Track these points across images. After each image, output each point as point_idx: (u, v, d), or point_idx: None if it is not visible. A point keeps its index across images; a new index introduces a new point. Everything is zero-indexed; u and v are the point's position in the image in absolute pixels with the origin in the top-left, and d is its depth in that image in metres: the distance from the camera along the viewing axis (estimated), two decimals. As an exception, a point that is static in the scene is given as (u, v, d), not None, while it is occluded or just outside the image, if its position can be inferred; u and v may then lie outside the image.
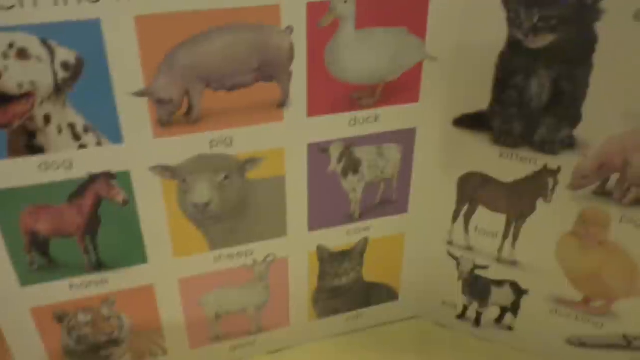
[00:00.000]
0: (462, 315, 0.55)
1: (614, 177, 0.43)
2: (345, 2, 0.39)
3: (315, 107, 0.42)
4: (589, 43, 0.39)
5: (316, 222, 0.48)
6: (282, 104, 0.41)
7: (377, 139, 0.45)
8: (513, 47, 0.41)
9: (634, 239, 0.44)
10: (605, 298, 0.48)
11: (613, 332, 0.49)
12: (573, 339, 0.51)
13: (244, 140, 0.42)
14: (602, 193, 0.44)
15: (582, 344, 0.51)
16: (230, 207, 0.44)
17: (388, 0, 0.40)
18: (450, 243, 0.52)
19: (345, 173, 0.46)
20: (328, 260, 0.50)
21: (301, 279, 0.51)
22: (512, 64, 0.42)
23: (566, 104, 0.42)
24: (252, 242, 0.47)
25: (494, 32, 0.41)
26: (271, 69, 0.40)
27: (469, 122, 0.45)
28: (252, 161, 0.43)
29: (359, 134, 0.45)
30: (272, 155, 0.43)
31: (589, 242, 0.46)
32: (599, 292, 0.48)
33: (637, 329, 0.48)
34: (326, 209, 0.47)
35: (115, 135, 0.39)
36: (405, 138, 0.46)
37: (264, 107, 0.41)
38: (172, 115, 0.39)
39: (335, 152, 0.45)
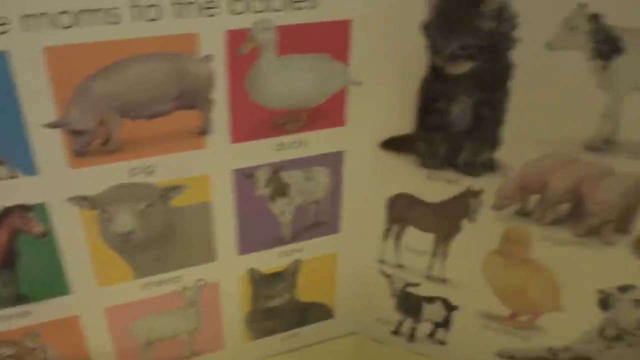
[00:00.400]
0: (396, 331, 0.56)
1: (535, 198, 0.45)
2: (265, 29, 0.38)
3: (239, 134, 0.42)
4: (505, 70, 0.40)
5: (246, 245, 0.47)
6: (204, 131, 0.41)
7: (305, 163, 0.45)
8: (434, 73, 0.42)
9: (555, 257, 0.46)
10: (530, 313, 0.50)
11: (539, 346, 0.51)
12: (503, 352, 0.52)
13: (166, 168, 0.41)
14: (524, 213, 0.45)
15: (511, 357, 0.52)
16: (155, 235, 0.43)
17: (309, 27, 0.40)
18: (382, 262, 0.52)
19: (273, 197, 0.46)
20: (261, 282, 0.50)
21: (234, 303, 0.50)
22: (434, 90, 0.43)
23: (486, 129, 0.43)
24: (181, 268, 0.46)
25: (416, 58, 0.42)
26: (191, 98, 0.39)
27: (396, 145, 0.46)
28: (174, 189, 0.42)
29: (286, 158, 0.44)
30: (197, 182, 0.43)
31: (512, 260, 0.47)
32: (524, 308, 0.50)
33: (562, 342, 0.50)
34: (256, 232, 0.47)
35: (28, 168, 0.38)
36: (334, 161, 0.46)
37: (185, 134, 0.40)
38: (89, 145, 0.38)
39: (262, 177, 0.44)
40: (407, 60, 0.42)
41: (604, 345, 0.49)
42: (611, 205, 0.43)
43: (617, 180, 0.41)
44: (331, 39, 0.41)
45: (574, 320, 0.48)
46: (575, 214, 0.44)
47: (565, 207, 0.44)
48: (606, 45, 0.37)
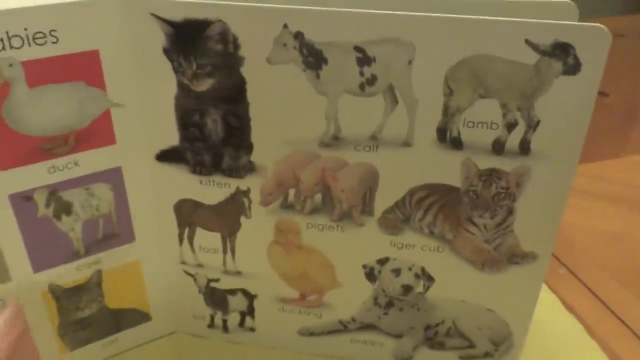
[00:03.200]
0: (211, 325, 0.61)
1: (293, 192, 0.51)
2: (11, 65, 0.42)
3: (6, 161, 0.45)
4: (240, 84, 0.46)
5: (40, 263, 0.50)
6: (-32, 163, 0.44)
7: (83, 181, 0.49)
8: (184, 90, 0.47)
9: (322, 241, 0.52)
10: (316, 292, 0.56)
11: (330, 320, 0.57)
12: (303, 330, 0.59)
13: None
14: (287, 206, 0.51)
15: (310, 333, 0.59)
16: (-62, 264, 0.46)
17: (56, 59, 0.43)
18: (183, 263, 0.57)
19: (57, 216, 0.49)
20: (64, 296, 0.53)
21: (40, 318, 0.53)
22: (187, 105, 0.48)
23: (238, 136, 0.48)
24: (-25, 292, 0.49)
25: (166, 79, 0.46)
26: (-55, 133, 0.42)
27: (169, 156, 0.50)
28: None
29: (61, 179, 0.48)
30: (-28, 210, 0.45)
31: (289, 247, 0.53)
32: (309, 288, 0.56)
33: (347, 314, 0.57)
34: (48, 250, 0.50)
35: None
36: (113, 176, 0.50)
37: (-50, 167, 0.43)
38: None
39: (40, 198, 0.48)
40: (159, 81, 0.47)
41: (381, 312, 0.56)
42: (353, 192, 0.49)
43: (351, 170, 0.48)
44: (82, 68, 0.45)
45: (351, 294, 0.55)
46: (327, 202, 0.50)
47: (318, 197, 0.51)
48: (312, 57, 0.44)
